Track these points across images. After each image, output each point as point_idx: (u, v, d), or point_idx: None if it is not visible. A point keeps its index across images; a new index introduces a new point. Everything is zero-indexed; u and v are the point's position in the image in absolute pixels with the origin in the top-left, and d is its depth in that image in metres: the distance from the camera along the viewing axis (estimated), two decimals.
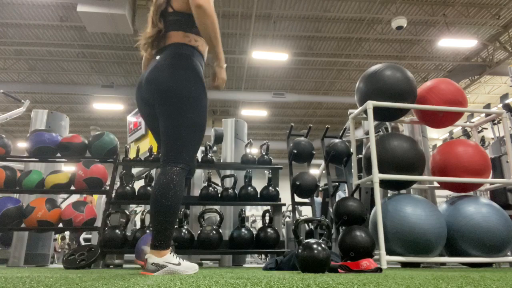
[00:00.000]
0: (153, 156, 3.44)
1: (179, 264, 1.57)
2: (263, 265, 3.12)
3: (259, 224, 11.32)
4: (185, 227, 3.04)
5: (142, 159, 3.50)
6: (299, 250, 1.72)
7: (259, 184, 3.42)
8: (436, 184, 3.29)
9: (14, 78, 12.14)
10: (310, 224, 3.31)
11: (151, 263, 1.53)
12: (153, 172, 5.05)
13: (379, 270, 1.78)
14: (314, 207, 3.44)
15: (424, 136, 3.70)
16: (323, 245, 1.70)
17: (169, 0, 1.71)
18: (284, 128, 15.74)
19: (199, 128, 1.63)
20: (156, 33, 1.69)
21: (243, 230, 3.15)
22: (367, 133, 3.83)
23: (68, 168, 5.32)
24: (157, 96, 1.61)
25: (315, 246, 1.69)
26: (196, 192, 4.34)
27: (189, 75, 1.61)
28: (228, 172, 4.05)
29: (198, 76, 1.64)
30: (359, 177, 3.27)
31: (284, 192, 4.30)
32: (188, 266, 1.61)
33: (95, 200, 6.72)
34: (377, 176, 2.66)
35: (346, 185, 3.47)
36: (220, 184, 3.70)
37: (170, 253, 1.58)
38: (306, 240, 1.76)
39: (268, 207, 3.44)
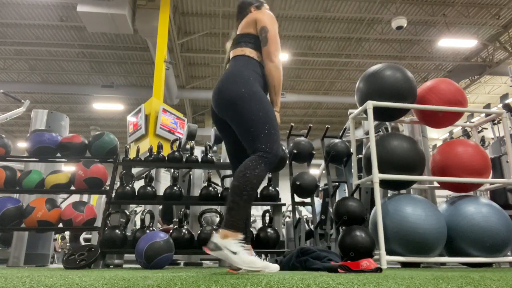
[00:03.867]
0: (153, 156, 3.44)
1: (236, 253, 1.54)
2: None
3: (259, 224, 11.32)
4: (185, 227, 3.05)
5: (142, 159, 3.50)
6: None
7: None
8: (436, 184, 3.29)
9: (14, 78, 12.14)
10: (310, 224, 3.31)
11: (213, 241, 1.58)
12: (153, 172, 5.05)
13: (379, 270, 1.78)
14: (314, 207, 3.44)
15: (424, 136, 3.70)
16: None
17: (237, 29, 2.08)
18: (284, 128, 15.73)
19: (262, 119, 1.72)
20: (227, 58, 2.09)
21: None
22: (367, 133, 3.83)
23: (68, 168, 5.32)
24: (220, 108, 1.83)
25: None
26: (196, 192, 4.34)
27: (238, 81, 1.79)
28: (228, 172, 4.05)
29: (246, 80, 1.80)
30: (359, 177, 3.27)
31: (284, 192, 4.31)
32: (244, 260, 1.56)
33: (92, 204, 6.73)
34: (377, 176, 2.66)
35: (346, 185, 3.47)
36: (220, 184, 3.70)
37: (236, 240, 1.57)
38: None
39: (268, 207, 3.44)
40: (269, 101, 1.81)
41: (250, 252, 1.87)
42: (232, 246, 1.55)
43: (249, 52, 1.92)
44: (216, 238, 1.58)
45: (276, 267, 1.79)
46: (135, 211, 6.46)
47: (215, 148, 4.82)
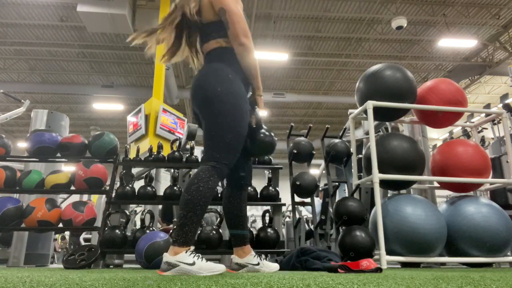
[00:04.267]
0: (153, 156, 3.44)
1: (193, 264, 1.48)
2: None
3: (259, 224, 11.32)
4: None
5: (142, 159, 3.50)
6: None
7: (259, 184, 3.42)
8: (436, 184, 3.29)
9: (14, 78, 12.14)
10: (310, 224, 3.31)
11: (164, 261, 1.50)
12: (153, 172, 5.05)
13: (379, 270, 1.78)
14: (314, 207, 3.44)
15: (424, 136, 3.70)
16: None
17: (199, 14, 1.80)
18: (284, 128, 15.73)
19: (229, 126, 1.63)
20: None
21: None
22: (367, 133, 3.83)
23: (68, 168, 5.32)
24: (195, 104, 1.75)
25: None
26: None
27: (216, 78, 1.69)
28: None
29: (224, 77, 1.69)
30: (359, 177, 3.27)
31: (284, 192, 4.30)
32: (203, 267, 1.49)
33: (93, 202, 6.73)
34: (377, 176, 2.66)
35: (346, 185, 3.47)
36: (220, 184, 3.70)
37: (187, 252, 1.51)
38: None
39: (268, 207, 3.44)
40: (245, 104, 1.70)
41: (249, 251, 1.86)
42: (187, 259, 1.49)
43: (226, 42, 1.75)
44: (167, 257, 1.50)
45: (276, 266, 1.79)
46: (135, 211, 6.45)
47: None
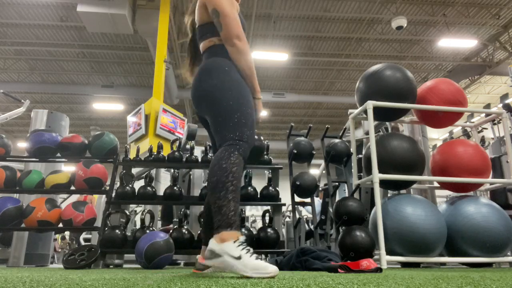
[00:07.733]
0: (153, 156, 3.44)
1: (239, 257, 1.30)
2: None
3: (259, 224, 11.33)
4: (185, 227, 3.05)
5: (142, 159, 3.50)
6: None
7: (259, 184, 3.42)
8: (436, 184, 3.29)
9: (14, 78, 12.14)
10: (310, 224, 3.31)
11: (210, 248, 1.37)
12: (153, 172, 5.05)
13: (379, 270, 1.78)
14: (314, 207, 3.44)
15: (424, 136, 3.70)
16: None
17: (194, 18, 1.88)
18: (284, 128, 15.74)
19: (232, 108, 1.58)
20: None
21: (243, 230, 3.15)
22: (367, 133, 3.83)
23: (68, 168, 5.32)
24: (195, 103, 1.74)
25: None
26: (196, 192, 4.34)
27: (212, 73, 1.67)
28: None
29: (220, 70, 1.67)
30: (359, 177, 3.27)
31: (284, 192, 4.31)
32: (248, 265, 1.28)
33: (95, 200, 6.73)
34: (377, 176, 2.66)
35: (346, 185, 3.48)
36: None
37: (235, 242, 1.34)
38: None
39: (268, 207, 3.44)
40: (246, 89, 1.66)
41: None
42: (233, 251, 1.31)
43: (219, 40, 1.74)
44: (212, 244, 1.36)
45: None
46: (135, 211, 6.46)
47: None
